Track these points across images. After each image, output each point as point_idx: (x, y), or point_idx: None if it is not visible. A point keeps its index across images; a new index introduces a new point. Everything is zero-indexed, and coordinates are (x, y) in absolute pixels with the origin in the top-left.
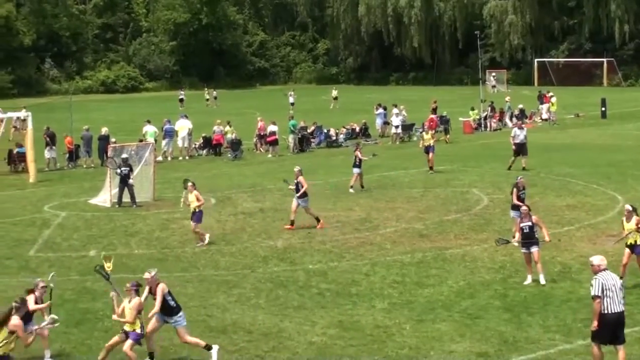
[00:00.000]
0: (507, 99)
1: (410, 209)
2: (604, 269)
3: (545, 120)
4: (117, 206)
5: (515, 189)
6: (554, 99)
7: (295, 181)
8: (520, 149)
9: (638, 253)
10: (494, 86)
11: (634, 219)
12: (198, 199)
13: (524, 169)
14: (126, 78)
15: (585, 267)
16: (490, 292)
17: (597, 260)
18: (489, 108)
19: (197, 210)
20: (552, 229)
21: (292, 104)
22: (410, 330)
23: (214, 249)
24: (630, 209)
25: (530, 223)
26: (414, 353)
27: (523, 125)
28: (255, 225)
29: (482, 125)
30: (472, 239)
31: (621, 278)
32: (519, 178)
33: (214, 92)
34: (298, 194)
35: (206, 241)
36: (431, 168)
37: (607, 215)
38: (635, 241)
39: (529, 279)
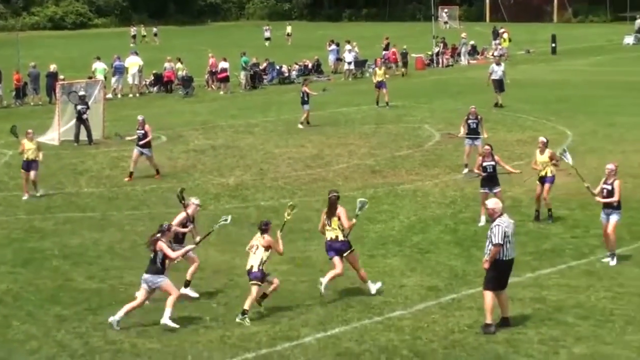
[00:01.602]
0: (463, 35)
1: (362, 145)
2: (501, 214)
3: (497, 56)
4: (75, 144)
5: (465, 117)
6: (505, 35)
7: (141, 130)
8: (499, 85)
9: (547, 182)
10: (446, 22)
11: (547, 151)
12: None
13: (500, 105)
14: (74, 14)
15: (533, 201)
16: (441, 227)
17: (491, 203)
18: (441, 44)
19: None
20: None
21: (268, 38)
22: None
23: (165, 187)
24: (545, 141)
25: (493, 163)
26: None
27: (500, 62)
28: (207, 163)
29: (434, 62)
30: (424, 174)
31: (537, 211)
32: (472, 107)
33: (154, 29)
34: (141, 143)
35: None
36: (377, 102)
37: (557, 150)
38: (547, 173)
39: (482, 221)
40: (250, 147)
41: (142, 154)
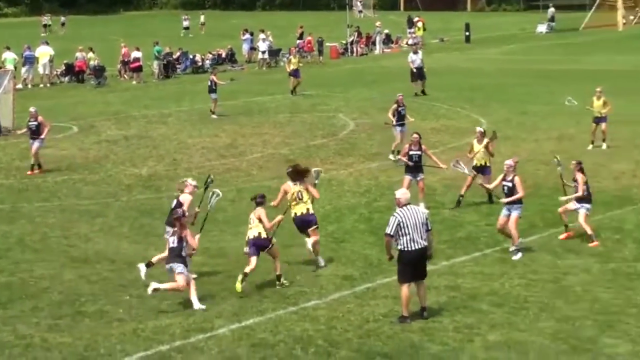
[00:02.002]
0: (377, 24)
1: (276, 135)
2: (406, 204)
3: (411, 45)
4: None
5: (394, 105)
6: (420, 24)
7: (35, 122)
8: (419, 73)
9: (486, 174)
10: (360, 11)
11: (485, 141)
12: None
13: (423, 92)
14: None
15: (448, 189)
16: (356, 216)
17: (399, 193)
18: (356, 33)
19: None
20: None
21: (187, 28)
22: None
23: (76, 178)
24: (482, 131)
25: (419, 152)
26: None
27: (418, 50)
28: (120, 153)
29: (349, 51)
30: (338, 163)
31: (462, 197)
32: (398, 95)
33: (62, 18)
34: (42, 136)
35: None
36: (292, 91)
37: (471, 138)
38: (485, 162)
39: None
40: (163, 137)
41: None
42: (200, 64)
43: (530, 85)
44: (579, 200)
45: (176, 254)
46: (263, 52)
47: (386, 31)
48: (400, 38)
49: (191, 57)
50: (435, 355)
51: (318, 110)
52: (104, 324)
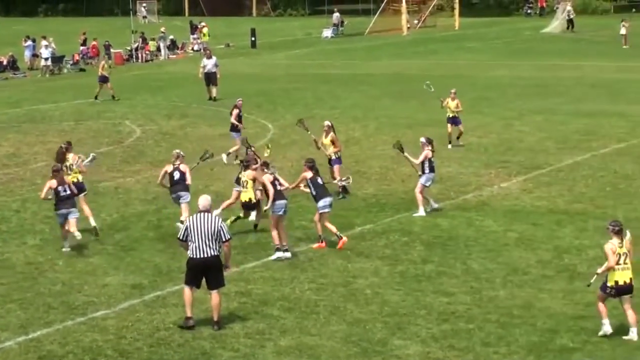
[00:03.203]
0: (162, 29)
1: (61, 143)
2: (203, 211)
3: (197, 50)
4: None
5: (236, 110)
6: (205, 29)
7: None
8: (210, 78)
9: (335, 163)
10: (144, 17)
11: (331, 135)
12: None
13: (214, 99)
14: None
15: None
16: (144, 224)
17: (200, 199)
18: (140, 39)
19: None
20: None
21: None
22: (63, 266)
23: None
24: (330, 124)
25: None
26: (67, 289)
27: (212, 55)
28: None
29: (134, 57)
30: (125, 170)
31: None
32: (238, 100)
33: None
34: None
35: None
36: (96, 98)
37: (258, 143)
38: (333, 156)
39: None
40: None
41: None
42: None
43: (317, 90)
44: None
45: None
46: (46, 59)
47: (171, 37)
48: (185, 44)
49: None
50: None
51: (104, 117)
52: None
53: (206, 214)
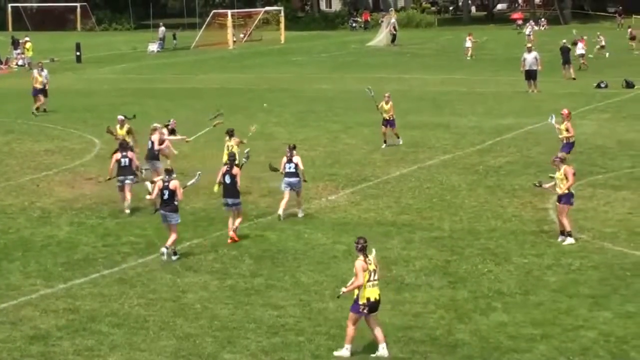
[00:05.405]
0: None
1: None
2: None
3: (21, 65)
4: None
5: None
6: (28, 45)
7: None
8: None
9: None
10: None
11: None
12: None
13: (43, 110)
14: None
15: (64, 211)
16: None
17: None
18: None
19: None
20: (31, 174)
21: None
22: None
23: None
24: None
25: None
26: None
27: (44, 68)
28: None
29: None
30: None
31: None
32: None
33: None
34: None
35: None
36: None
37: (85, 159)
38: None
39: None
40: None
41: None
42: None
43: (144, 104)
44: None
45: None
46: None
47: None
48: (9, 59)
49: None
50: None
51: None
52: None
53: None
